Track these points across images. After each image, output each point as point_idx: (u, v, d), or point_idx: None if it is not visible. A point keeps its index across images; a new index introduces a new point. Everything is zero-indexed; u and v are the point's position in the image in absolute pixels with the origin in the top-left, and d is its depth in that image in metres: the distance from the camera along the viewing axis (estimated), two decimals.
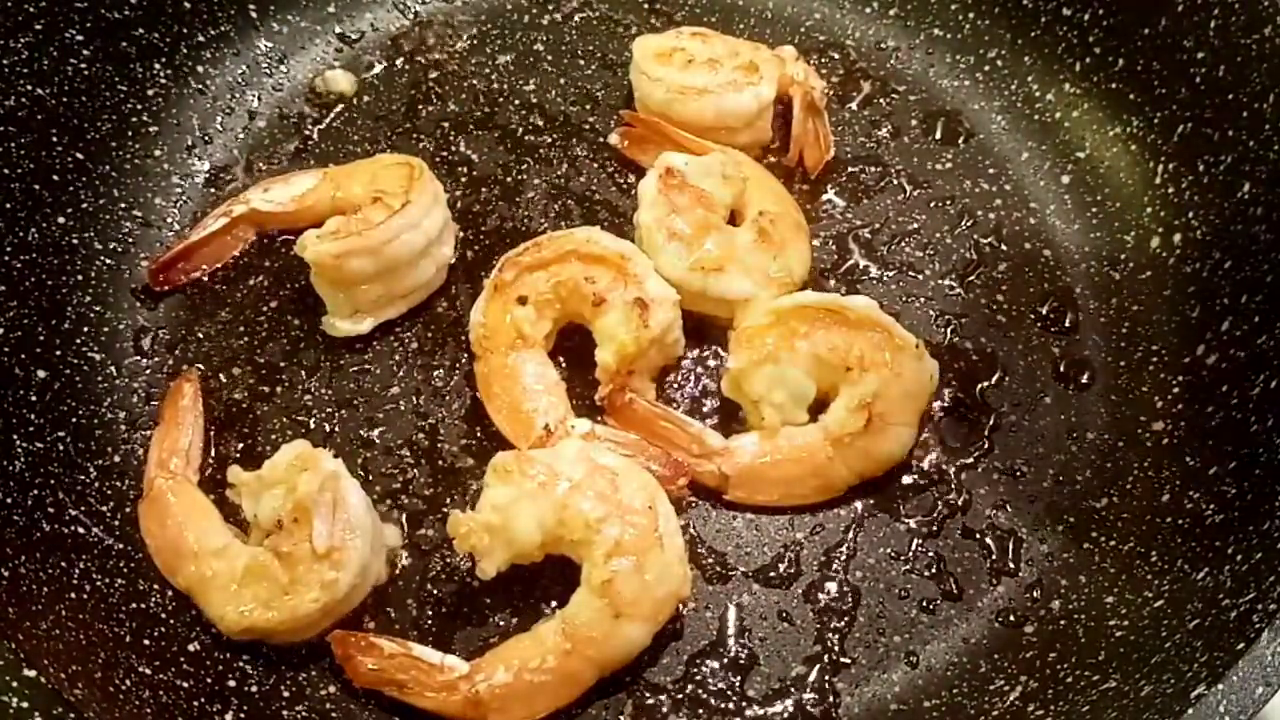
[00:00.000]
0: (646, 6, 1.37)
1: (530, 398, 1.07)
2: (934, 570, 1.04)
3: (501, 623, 1.00)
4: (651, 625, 0.95)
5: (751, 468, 1.05)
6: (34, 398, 1.04)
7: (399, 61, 1.33)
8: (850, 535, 1.05)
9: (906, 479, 1.08)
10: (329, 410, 1.11)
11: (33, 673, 0.80)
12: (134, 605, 0.98)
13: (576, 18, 1.36)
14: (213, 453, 1.08)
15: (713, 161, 1.15)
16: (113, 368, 1.11)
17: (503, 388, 1.08)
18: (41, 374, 1.06)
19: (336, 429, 1.10)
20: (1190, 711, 0.79)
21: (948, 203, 1.24)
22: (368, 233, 1.08)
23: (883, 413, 1.03)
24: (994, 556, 1.05)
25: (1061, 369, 1.14)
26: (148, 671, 0.91)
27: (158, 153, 1.23)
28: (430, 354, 1.14)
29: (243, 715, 0.94)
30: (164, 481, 1.03)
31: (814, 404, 1.06)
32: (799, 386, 1.05)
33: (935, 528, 1.06)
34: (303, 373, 1.13)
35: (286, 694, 0.97)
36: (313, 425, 1.10)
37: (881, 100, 1.32)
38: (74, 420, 1.06)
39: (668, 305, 1.07)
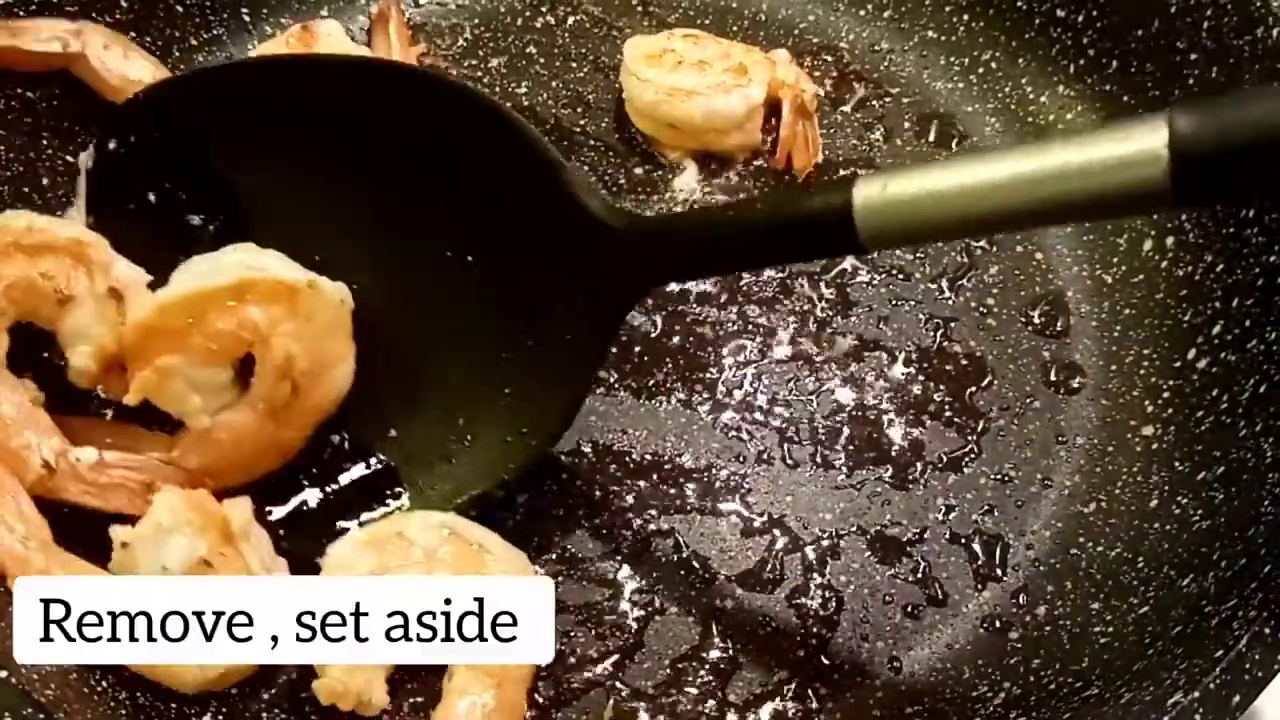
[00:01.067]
0: (640, 9, 1.36)
1: (13, 432, 0.95)
2: (919, 575, 1.03)
3: None
4: None
5: (206, 462, 0.98)
6: None
7: None
8: (835, 540, 1.05)
9: (892, 484, 1.07)
10: None
11: (3, 673, 0.80)
12: None
13: (569, 20, 1.35)
14: None
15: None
16: None
17: None
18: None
19: None
20: (1166, 719, 0.78)
21: None
22: None
23: (308, 368, 0.96)
24: (980, 562, 1.04)
25: (1051, 373, 1.13)
26: (125, 672, 0.91)
27: None
28: None
29: (221, 716, 0.94)
30: (32, 557, 0.92)
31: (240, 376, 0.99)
32: (209, 381, 0.96)
33: (920, 533, 1.05)
34: None
35: (266, 696, 0.96)
36: None
37: (875, 103, 1.31)
38: None
39: (142, 287, 0.97)
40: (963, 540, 1.05)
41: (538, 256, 1.00)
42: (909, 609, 1.02)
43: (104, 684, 0.90)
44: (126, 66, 1.15)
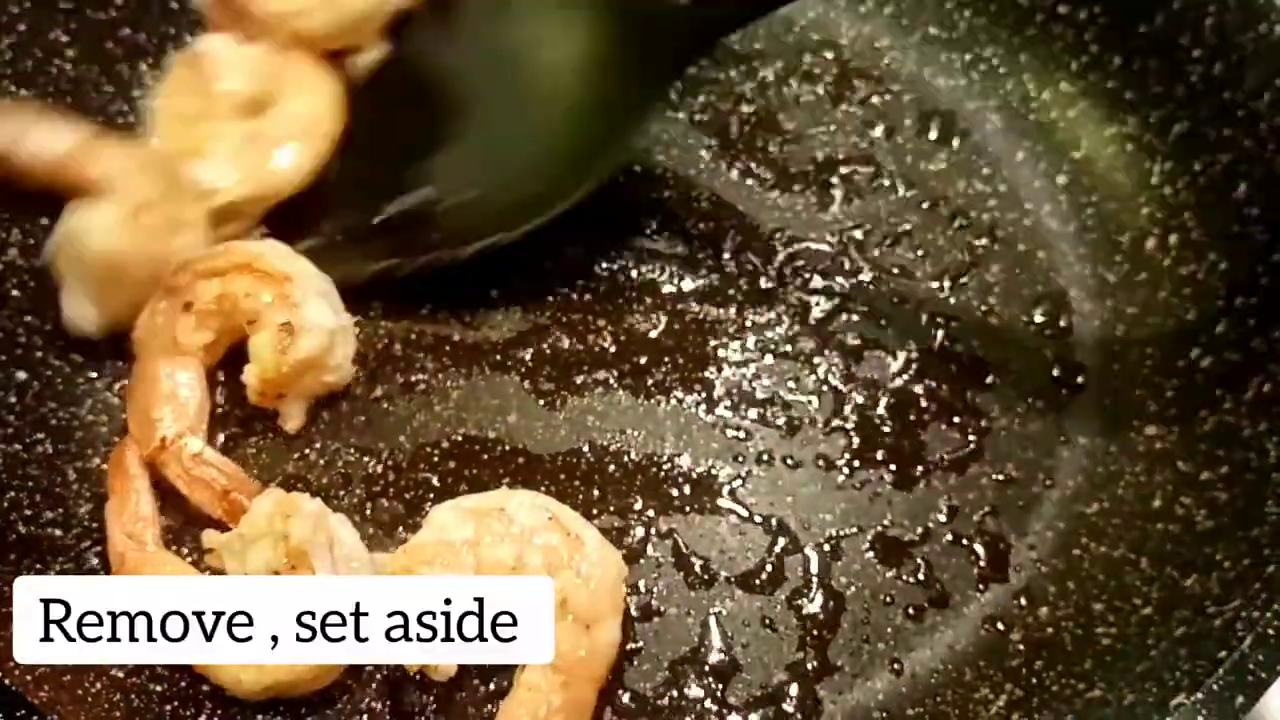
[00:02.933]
0: None
1: (160, 406, 1.04)
2: (921, 576, 1.02)
3: None
4: (617, 615, 0.94)
5: None
6: (13, 399, 1.03)
7: None
8: (836, 541, 1.04)
9: (894, 485, 1.07)
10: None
11: None
12: None
13: None
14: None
15: (242, 54, 1.19)
16: (94, 370, 1.10)
17: (144, 391, 1.05)
18: (21, 375, 1.05)
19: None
20: None
21: (941, 204, 1.23)
22: None
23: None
24: (982, 562, 1.03)
25: (1054, 372, 1.13)
26: (120, 674, 0.91)
27: None
28: None
29: (216, 718, 0.93)
30: (135, 555, 0.98)
31: None
32: None
33: (922, 533, 1.04)
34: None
35: (261, 698, 0.96)
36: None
37: (875, 100, 1.30)
38: (54, 423, 1.05)
39: (319, 334, 1.05)
40: (965, 541, 1.04)
41: (601, 34, 1.16)
42: (910, 610, 1.01)
43: (98, 686, 0.89)
44: (48, 142, 1.09)
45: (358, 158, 1.19)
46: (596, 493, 1.05)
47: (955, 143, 1.27)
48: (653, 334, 1.14)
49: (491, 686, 0.96)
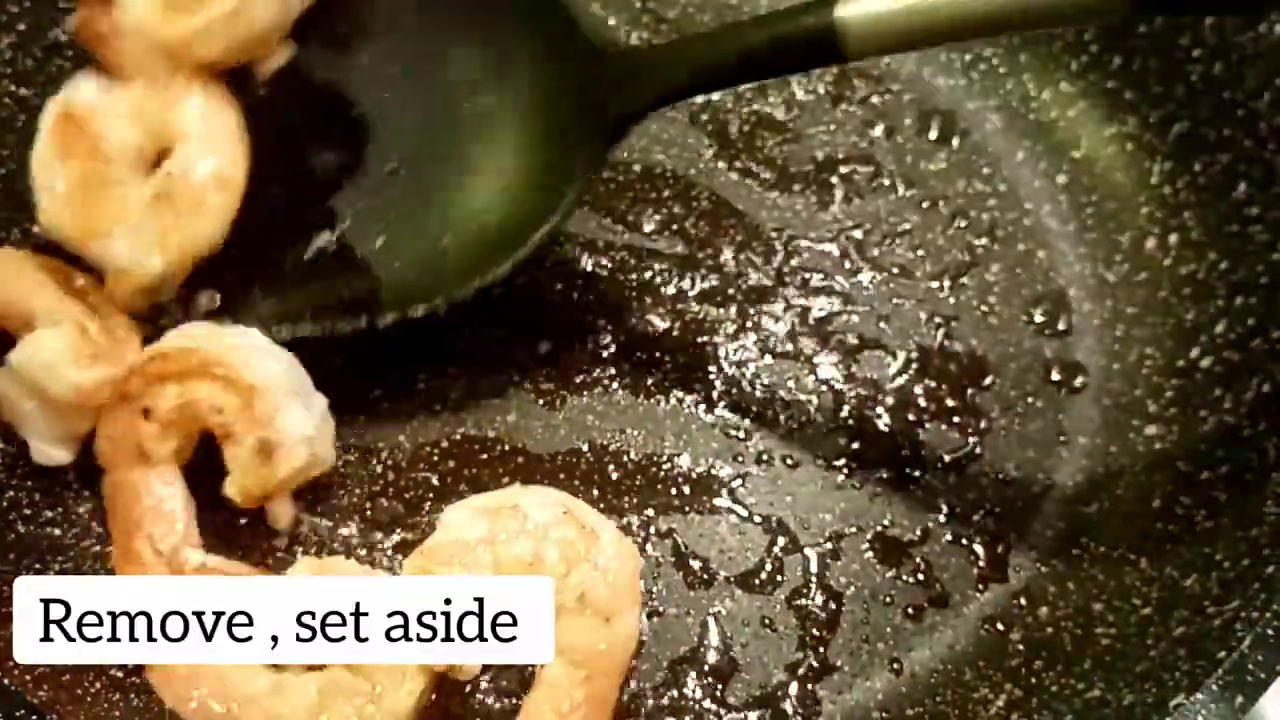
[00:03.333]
0: (639, 7, 1.36)
1: (145, 525, 0.95)
2: (921, 576, 1.02)
3: None
4: (636, 607, 0.93)
5: None
6: None
7: None
8: (835, 541, 1.04)
9: (893, 485, 1.07)
10: None
11: None
12: None
13: None
14: None
15: (123, 98, 1.02)
16: None
17: (124, 506, 0.96)
18: None
19: None
20: None
21: (941, 203, 1.23)
22: None
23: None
24: (982, 562, 1.03)
25: (1053, 372, 1.13)
26: (119, 674, 0.90)
27: None
28: None
29: None
30: None
31: None
32: None
33: (922, 533, 1.04)
34: None
35: None
36: None
37: (875, 99, 1.30)
38: None
39: (300, 445, 0.96)
40: (965, 541, 1.04)
41: (541, 84, 1.07)
42: (910, 610, 1.01)
43: (98, 686, 0.89)
44: None
45: (260, 191, 1.05)
46: (596, 492, 1.05)
47: (955, 142, 1.27)
48: (653, 334, 1.14)
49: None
